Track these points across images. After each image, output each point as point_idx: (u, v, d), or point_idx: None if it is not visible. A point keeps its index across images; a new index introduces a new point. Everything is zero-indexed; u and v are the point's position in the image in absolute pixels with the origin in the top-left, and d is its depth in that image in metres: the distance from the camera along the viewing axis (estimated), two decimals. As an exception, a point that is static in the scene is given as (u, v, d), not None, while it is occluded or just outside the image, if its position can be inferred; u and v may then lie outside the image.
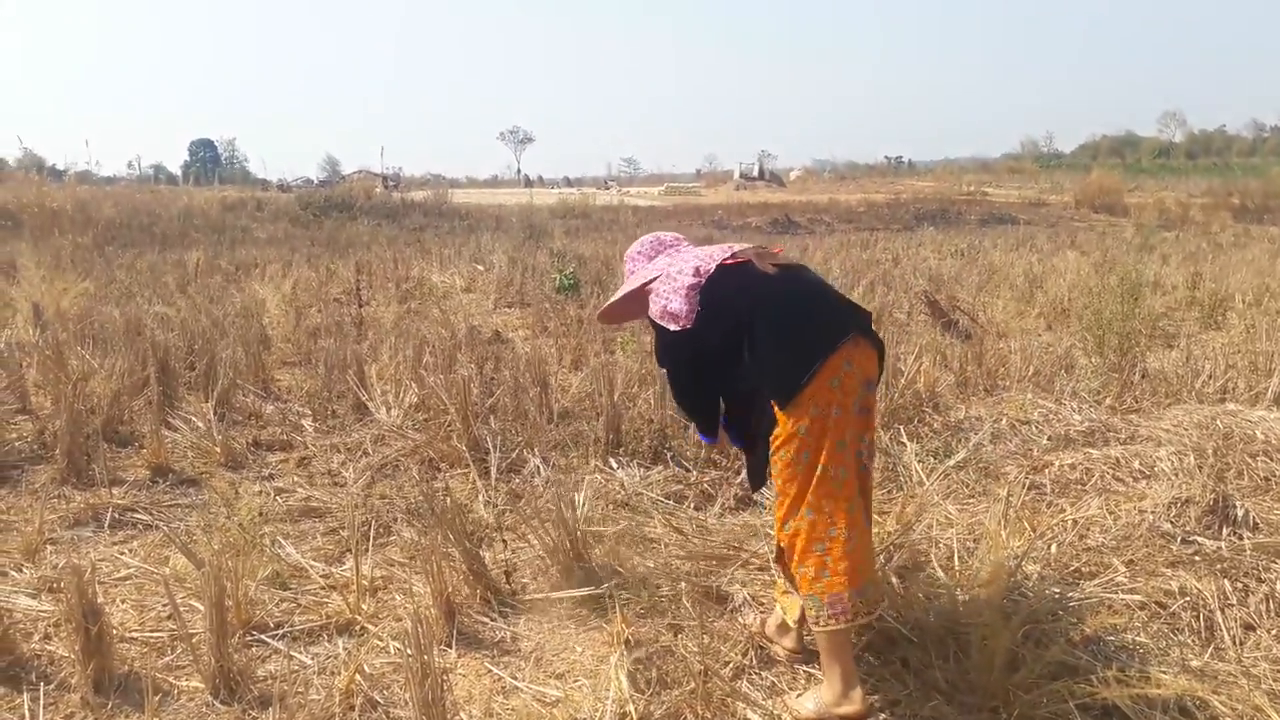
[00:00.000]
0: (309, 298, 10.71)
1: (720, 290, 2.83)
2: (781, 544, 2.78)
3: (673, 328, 2.84)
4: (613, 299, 3.20)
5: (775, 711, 2.78)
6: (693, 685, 2.83)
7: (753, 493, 3.14)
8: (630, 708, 2.75)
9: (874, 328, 2.84)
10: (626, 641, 3.07)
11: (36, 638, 3.29)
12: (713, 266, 2.88)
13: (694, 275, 2.86)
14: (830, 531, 2.65)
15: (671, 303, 2.86)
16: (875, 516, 3.76)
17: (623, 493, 4.52)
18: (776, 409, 2.66)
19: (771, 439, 2.71)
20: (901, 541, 3.67)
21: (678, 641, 3.16)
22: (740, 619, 3.37)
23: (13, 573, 3.81)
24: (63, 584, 3.35)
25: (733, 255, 2.92)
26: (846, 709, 2.64)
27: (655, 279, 2.98)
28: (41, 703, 2.89)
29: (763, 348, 2.70)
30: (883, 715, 2.77)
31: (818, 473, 2.64)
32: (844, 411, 2.66)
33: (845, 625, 2.64)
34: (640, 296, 3.04)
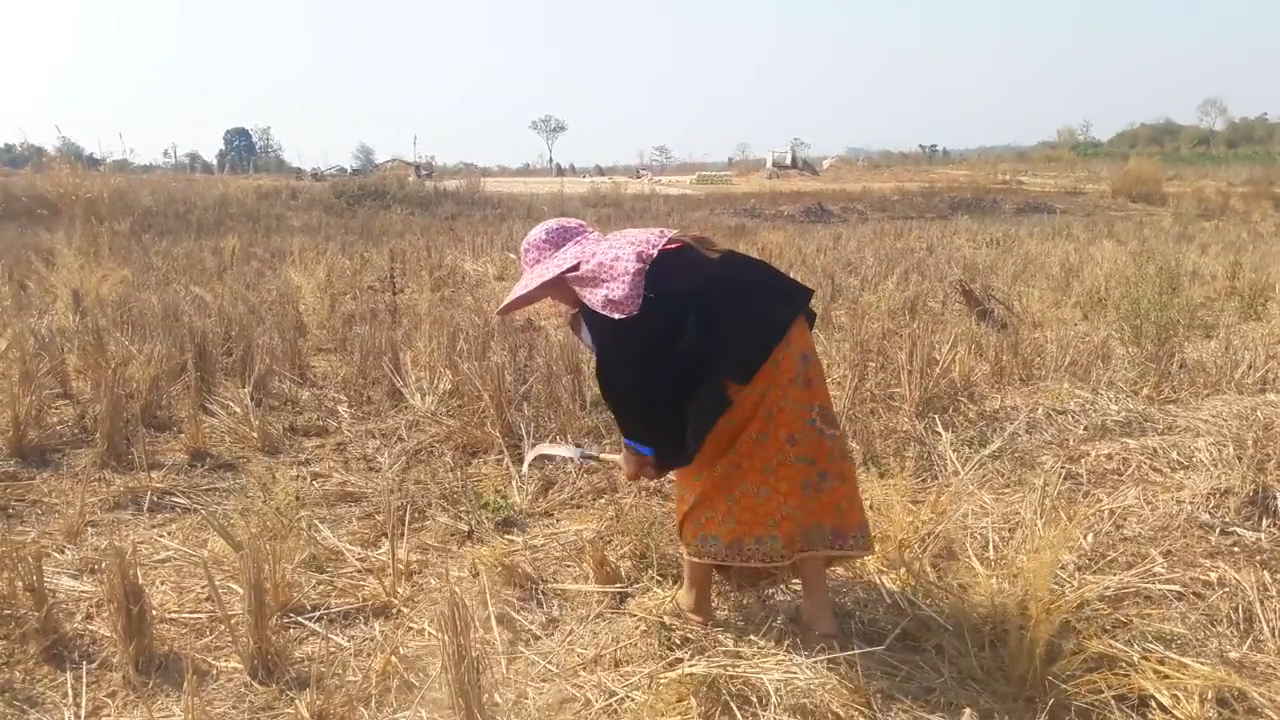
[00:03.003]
0: (344, 285, 10.77)
1: (665, 275, 2.84)
2: (683, 485, 3.06)
3: (616, 316, 2.79)
4: (520, 291, 3.09)
5: (800, 702, 2.77)
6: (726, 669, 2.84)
7: (669, 470, 3.15)
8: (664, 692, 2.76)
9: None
10: (662, 627, 3.08)
11: (79, 618, 3.35)
12: (655, 252, 2.89)
13: (638, 261, 2.84)
14: (742, 485, 2.89)
15: (614, 291, 2.81)
16: (910, 505, 3.78)
17: (656, 479, 4.52)
18: (730, 384, 2.82)
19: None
20: (936, 530, 3.65)
21: (710, 629, 3.17)
22: (775, 606, 3.36)
23: (55, 554, 3.87)
24: (104, 565, 3.40)
25: (670, 240, 2.96)
26: (695, 617, 3.12)
27: (580, 265, 2.93)
28: (84, 681, 2.93)
29: (722, 330, 2.79)
30: (917, 702, 2.76)
31: (742, 436, 2.87)
32: (774, 386, 2.85)
33: (741, 564, 2.96)
34: (557, 285, 3.00)
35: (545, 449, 3.94)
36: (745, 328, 2.82)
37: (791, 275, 3.23)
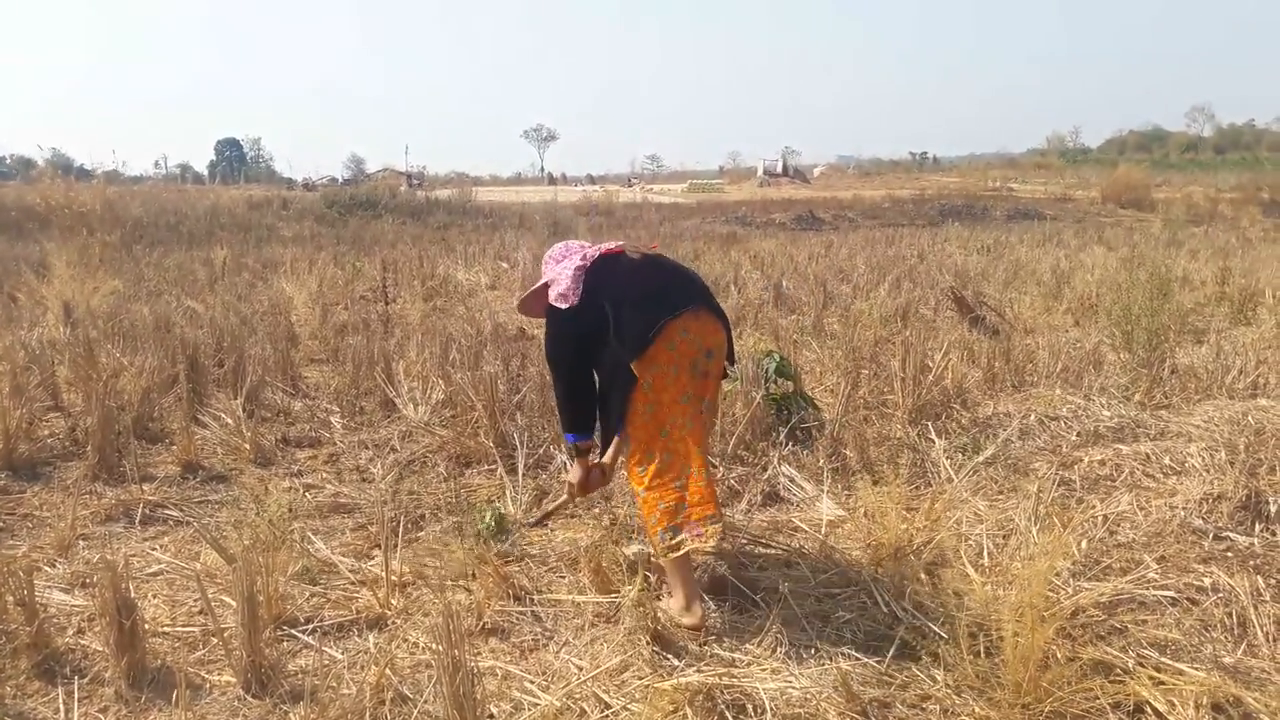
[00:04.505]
0: (335, 295, 10.76)
1: (598, 274, 3.38)
2: (636, 485, 3.31)
3: (563, 306, 3.34)
4: (524, 293, 3.70)
5: (795, 712, 2.77)
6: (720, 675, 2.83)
7: (602, 457, 3.75)
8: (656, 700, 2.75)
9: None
10: (657, 636, 3.08)
11: (70, 632, 3.33)
12: (596, 254, 3.45)
13: (581, 260, 3.41)
14: (687, 470, 3.21)
15: (562, 285, 3.37)
16: (904, 512, 3.79)
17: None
18: (633, 365, 3.20)
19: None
20: (931, 538, 3.65)
21: (705, 634, 3.17)
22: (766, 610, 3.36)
23: (46, 568, 3.85)
24: (96, 579, 3.39)
25: (609, 248, 3.48)
26: (688, 620, 3.22)
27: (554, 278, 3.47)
28: (76, 696, 2.92)
29: (623, 314, 3.25)
30: (913, 710, 2.76)
31: (665, 424, 3.24)
32: (680, 370, 3.23)
33: (698, 545, 3.17)
34: (543, 292, 3.51)
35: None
36: (637, 312, 3.24)
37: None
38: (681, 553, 3.19)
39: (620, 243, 3.55)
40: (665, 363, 3.20)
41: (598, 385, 3.42)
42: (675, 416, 3.23)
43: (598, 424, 3.54)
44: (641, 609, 3.11)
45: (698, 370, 3.27)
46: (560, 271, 3.43)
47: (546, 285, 3.48)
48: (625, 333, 3.22)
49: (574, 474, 3.70)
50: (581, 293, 3.33)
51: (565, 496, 3.96)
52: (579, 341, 3.35)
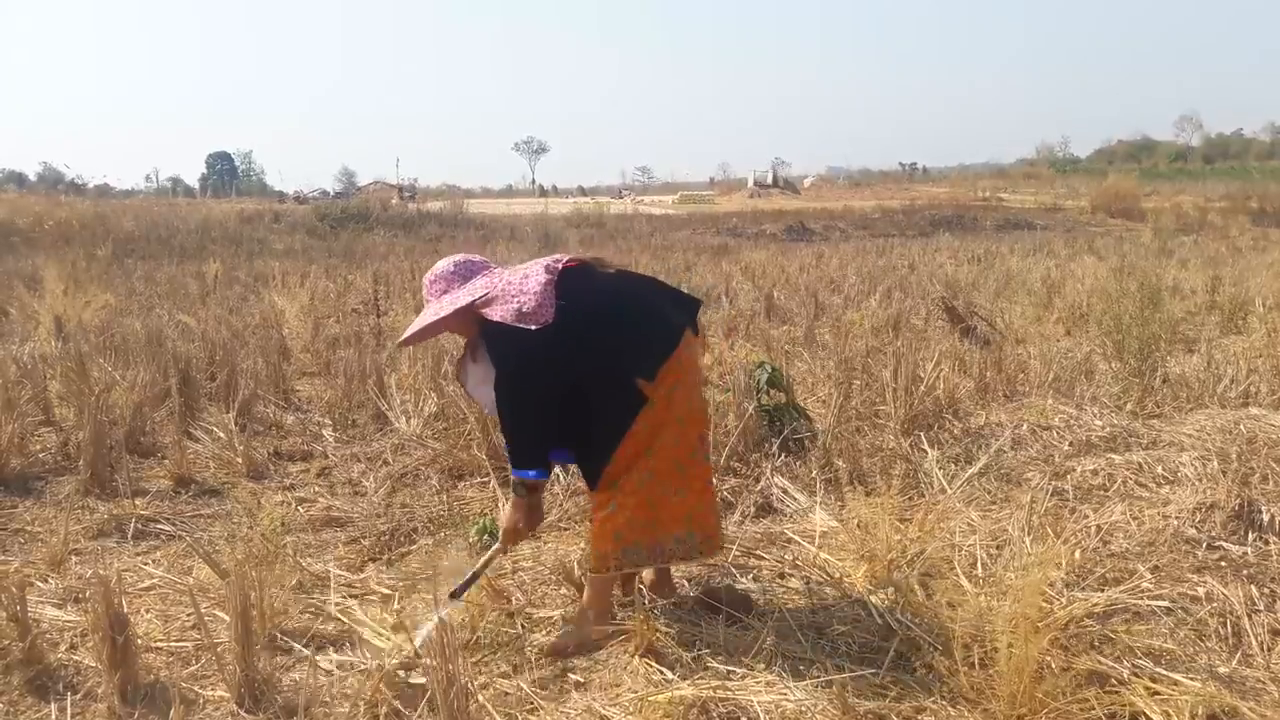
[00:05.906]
0: (327, 308, 10.75)
1: (571, 285, 3.11)
2: (613, 501, 3.13)
3: (532, 328, 2.99)
4: (430, 319, 3.21)
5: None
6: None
7: (590, 489, 3.26)
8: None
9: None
10: (648, 650, 3.07)
11: (63, 648, 3.31)
12: (560, 266, 3.16)
13: (546, 273, 3.10)
14: (660, 490, 3.12)
15: (526, 304, 3.02)
16: (897, 523, 3.79)
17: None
18: (641, 383, 3.04)
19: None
20: (925, 548, 3.65)
21: (699, 650, 3.16)
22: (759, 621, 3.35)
23: (39, 583, 3.83)
24: (89, 594, 3.37)
25: (571, 259, 3.23)
26: (601, 630, 3.21)
27: (486, 296, 3.10)
28: (69, 713, 2.90)
29: (628, 333, 3.11)
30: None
31: (657, 441, 3.09)
32: (681, 386, 3.12)
33: (660, 564, 3.30)
34: (462, 317, 3.16)
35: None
36: (649, 330, 3.13)
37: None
38: (621, 572, 3.27)
39: (569, 255, 3.28)
40: (673, 381, 3.09)
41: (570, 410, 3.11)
42: (668, 440, 3.11)
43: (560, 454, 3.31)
44: (641, 626, 3.10)
45: (701, 384, 3.36)
46: (509, 289, 3.07)
47: (470, 308, 3.11)
48: (639, 352, 3.08)
49: (516, 517, 3.24)
50: (557, 307, 3.03)
51: (498, 548, 3.37)
52: (552, 365, 3.03)
